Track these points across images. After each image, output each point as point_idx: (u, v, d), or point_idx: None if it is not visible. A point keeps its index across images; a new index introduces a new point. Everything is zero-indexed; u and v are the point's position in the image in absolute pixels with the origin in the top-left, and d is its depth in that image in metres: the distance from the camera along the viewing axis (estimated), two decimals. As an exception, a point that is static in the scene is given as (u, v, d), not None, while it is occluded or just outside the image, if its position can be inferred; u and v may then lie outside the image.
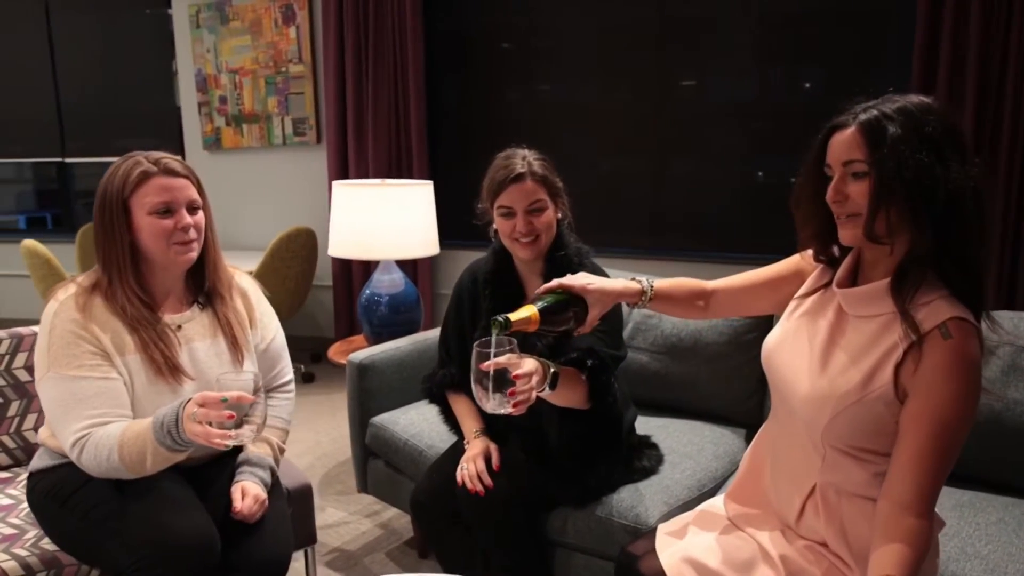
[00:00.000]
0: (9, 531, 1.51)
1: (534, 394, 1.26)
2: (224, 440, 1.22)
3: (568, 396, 1.46)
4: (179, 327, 1.47)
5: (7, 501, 1.63)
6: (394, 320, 2.53)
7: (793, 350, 1.20)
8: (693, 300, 1.33)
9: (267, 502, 1.46)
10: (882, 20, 2.89)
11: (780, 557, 1.18)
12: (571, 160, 3.46)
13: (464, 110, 3.77)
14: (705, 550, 1.24)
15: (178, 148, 4.43)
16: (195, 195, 1.44)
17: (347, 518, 2.36)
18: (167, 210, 1.39)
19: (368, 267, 3.79)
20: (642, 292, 1.27)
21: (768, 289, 1.31)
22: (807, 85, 3.13)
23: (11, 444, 1.81)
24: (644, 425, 1.89)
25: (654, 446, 1.75)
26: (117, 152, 5.40)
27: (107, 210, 1.38)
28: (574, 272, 1.58)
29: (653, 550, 1.31)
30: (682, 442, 1.82)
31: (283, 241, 3.50)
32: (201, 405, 1.22)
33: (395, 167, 3.70)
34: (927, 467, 1.01)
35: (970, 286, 1.05)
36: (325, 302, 4.13)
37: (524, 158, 1.58)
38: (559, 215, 1.63)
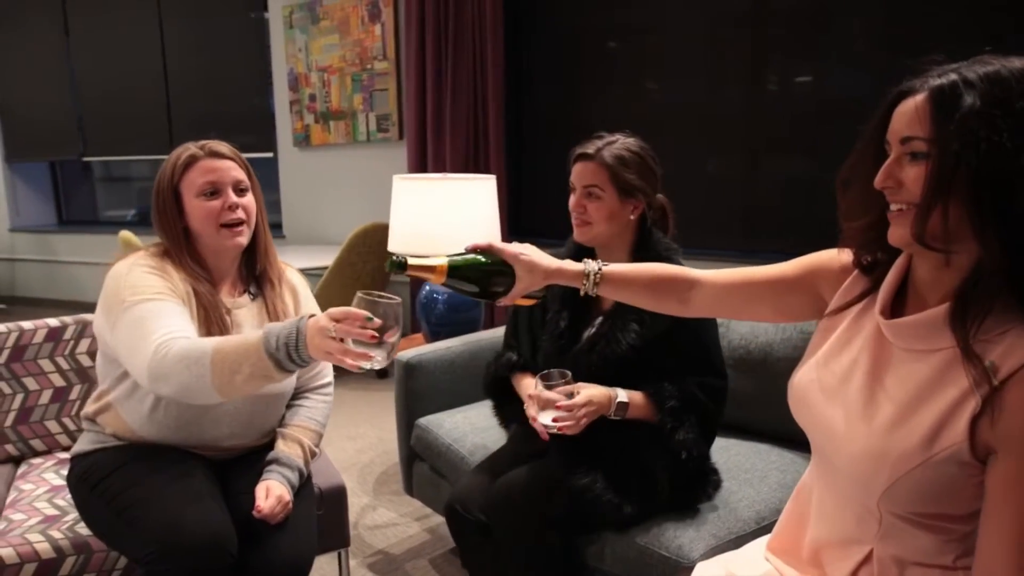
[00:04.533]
0: (52, 512, 1.55)
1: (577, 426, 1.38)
2: (360, 361, 1.13)
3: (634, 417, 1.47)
4: (228, 311, 1.47)
5: (59, 482, 1.69)
6: (452, 319, 2.46)
7: (826, 394, 0.97)
8: (664, 289, 1.12)
9: (291, 504, 1.42)
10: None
11: None
12: (675, 158, 3.26)
13: (551, 107, 3.66)
14: None
15: (272, 146, 4.59)
16: (242, 176, 1.44)
17: (396, 520, 2.31)
18: (213, 191, 1.40)
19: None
20: (583, 274, 1.09)
21: (769, 292, 1.07)
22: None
23: (72, 427, 1.88)
24: (703, 444, 1.71)
25: (715, 471, 1.57)
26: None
27: (160, 197, 1.42)
28: None
29: (686, 592, 1.15)
30: (743, 467, 1.63)
31: (359, 237, 3.53)
32: (337, 320, 1.14)
33: (472, 163, 3.64)
34: None
35: None
36: (404, 298, 4.15)
37: (608, 142, 1.51)
38: (631, 215, 1.51)
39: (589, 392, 1.41)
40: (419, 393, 2.04)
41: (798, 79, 3.05)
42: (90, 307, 1.50)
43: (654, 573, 1.36)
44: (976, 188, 0.78)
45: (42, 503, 1.59)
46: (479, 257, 1.09)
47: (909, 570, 0.92)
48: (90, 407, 1.51)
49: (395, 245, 2.46)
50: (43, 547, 1.43)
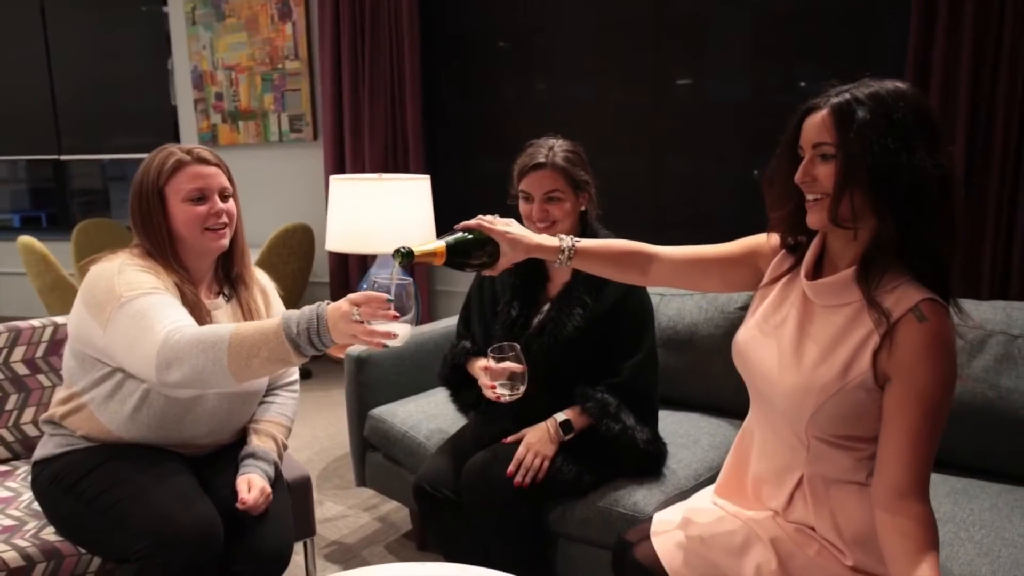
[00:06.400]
0: (9, 523, 1.52)
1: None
2: (386, 340, 1.18)
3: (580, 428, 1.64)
4: (208, 311, 1.49)
5: (6, 494, 1.64)
6: (392, 314, 2.53)
7: (764, 345, 1.20)
8: (628, 262, 1.30)
9: (271, 495, 1.47)
10: (878, 17, 2.90)
11: (772, 540, 1.19)
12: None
13: (461, 107, 3.77)
14: (699, 535, 1.25)
15: (174, 145, 4.43)
16: (226, 183, 1.48)
17: (345, 512, 2.37)
18: (200, 197, 1.43)
19: (365, 263, 3.79)
20: (559, 249, 1.25)
21: (718, 267, 1.29)
22: (802, 84, 3.13)
23: (9, 437, 1.82)
24: (641, 417, 1.91)
25: (664, 446, 1.73)
26: (114, 150, 5.36)
27: (144, 199, 1.43)
28: None
29: (648, 537, 1.32)
30: (678, 433, 1.83)
31: (280, 237, 3.51)
32: (357, 305, 1.19)
33: (391, 164, 3.70)
34: (920, 450, 1.02)
35: (935, 275, 1.05)
36: (322, 298, 4.13)
37: (551, 148, 1.64)
38: (582, 207, 1.67)
39: (526, 440, 1.59)
40: (369, 386, 2.12)
41: (680, 81, 3.33)
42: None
43: (615, 529, 1.52)
44: (873, 179, 1.02)
45: (-6, 515, 1.55)
46: (467, 235, 1.21)
47: (833, 487, 1.14)
48: (56, 410, 1.49)
49: (332, 244, 2.50)
50: (10, 556, 1.40)
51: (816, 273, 1.17)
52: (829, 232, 1.13)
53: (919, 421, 1.02)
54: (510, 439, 1.62)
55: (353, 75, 3.68)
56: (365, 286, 2.56)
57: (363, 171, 3.73)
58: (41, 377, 1.86)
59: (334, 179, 2.47)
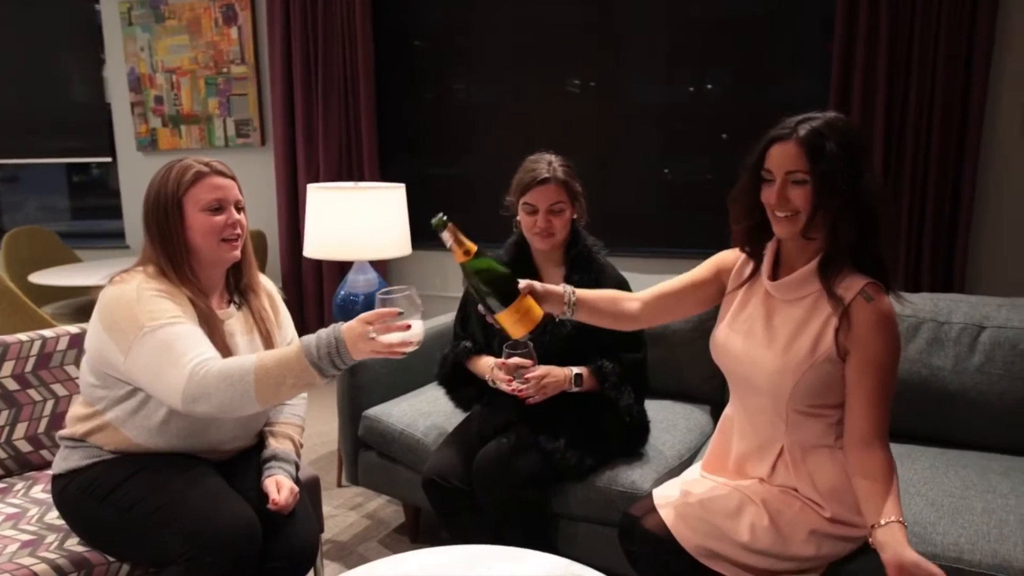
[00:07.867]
0: (27, 537, 1.52)
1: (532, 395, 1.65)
2: (404, 348, 1.29)
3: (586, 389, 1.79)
4: (222, 321, 1.52)
5: (12, 510, 1.63)
6: (369, 318, 2.60)
7: (739, 340, 1.42)
8: (617, 313, 1.47)
9: (298, 494, 1.54)
10: (789, 27, 3.09)
11: (762, 501, 1.39)
12: (509, 162, 3.55)
13: (413, 112, 3.82)
14: (698, 502, 1.43)
15: (109, 149, 4.28)
16: (240, 195, 1.53)
17: (332, 512, 2.43)
18: (218, 207, 1.47)
19: (320, 269, 3.81)
20: (564, 301, 1.39)
21: (691, 292, 1.50)
22: (709, 86, 3.33)
23: (2, 454, 1.79)
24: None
25: (649, 421, 1.91)
26: (41, 153, 5.08)
27: (161, 209, 1.45)
28: (590, 263, 1.82)
29: (652, 509, 1.49)
30: (658, 419, 2.02)
31: (236, 244, 3.47)
32: (371, 323, 1.28)
33: (345, 170, 3.74)
34: (878, 404, 1.27)
35: (878, 272, 1.31)
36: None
37: (550, 163, 1.78)
38: (575, 215, 1.83)
39: (547, 369, 1.73)
40: (361, 387, 2.19)
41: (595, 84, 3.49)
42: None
43: (615, 507, 1.69)
44: (842, 199, 1.25)
45: (9, 531, 1.54)
46: (497, 264, 1.31)
47: (809, 452, 1.38)
48: (76, 428, 1.50)
49: (310, 251, 2.55)
50: (41, 568, 1.41)
51: (774, 274, 1.40)
52: (790, 240, 1.35)
53: (875, 382, 1.27)
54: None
55: (305, 81, 3.69)
56: (344, 292, 2.64)
57: (316, 177, 3.74)
58: (32, 392, 1.84)
59: (311, 187, 2.51)
